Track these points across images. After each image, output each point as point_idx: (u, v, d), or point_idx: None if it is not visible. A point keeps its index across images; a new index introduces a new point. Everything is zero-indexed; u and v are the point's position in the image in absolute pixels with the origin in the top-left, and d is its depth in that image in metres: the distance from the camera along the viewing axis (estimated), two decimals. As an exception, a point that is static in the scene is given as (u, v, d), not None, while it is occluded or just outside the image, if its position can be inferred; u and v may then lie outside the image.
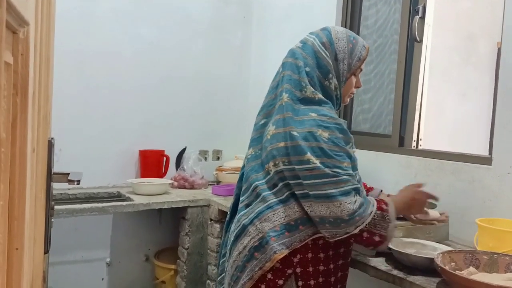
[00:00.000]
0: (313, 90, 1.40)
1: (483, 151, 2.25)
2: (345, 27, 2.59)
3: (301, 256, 1.36)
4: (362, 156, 2.24)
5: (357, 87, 1.54)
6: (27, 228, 0.63)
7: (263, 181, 1.41)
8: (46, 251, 0.96)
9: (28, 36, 0.58)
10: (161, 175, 2.91)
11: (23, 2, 0.54)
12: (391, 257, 1.52)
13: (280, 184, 1.38)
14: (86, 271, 2.79)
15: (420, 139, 2.18)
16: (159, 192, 2.66)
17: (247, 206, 1.44)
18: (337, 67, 1.44)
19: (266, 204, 1.38)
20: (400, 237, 1.61)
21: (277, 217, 1.35)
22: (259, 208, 1.39)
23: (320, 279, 1.38)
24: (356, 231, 1.31)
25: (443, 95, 2.51)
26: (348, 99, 1.56)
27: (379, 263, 1.51)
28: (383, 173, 2.15)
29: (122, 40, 2.85)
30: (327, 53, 1.43)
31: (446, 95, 2.56)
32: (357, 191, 1.33)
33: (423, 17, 2.14)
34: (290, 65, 1.44)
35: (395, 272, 1.42)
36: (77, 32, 2.68)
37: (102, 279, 2.86)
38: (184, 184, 2.88)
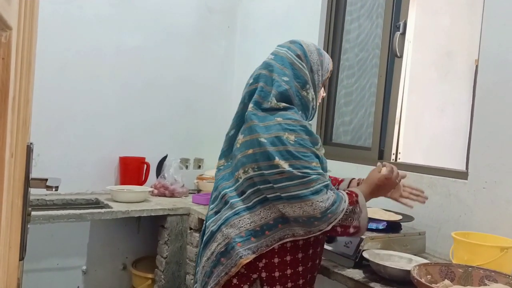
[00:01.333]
0: (277, 102, 1.42)
1: (460, 166, 2.30)
2: (328, 39, 2.63)
3: (267, 261, 1.38)
4: (342, 168, 2.27)
5: (322, 97, 1.62)
6: (2, 234, 0.62)
7: (232, 188, 1.45)
8: (21, 258, 0.94)
9: (10, 41, 0.58)
10: (141, 182, 2.89)
11: (6, 7, 0.53)
12: (368, 268, 1.54)
13: (248, 191, 1.41)
14: (61, 279, 2.73)
15: (399, 153, 2.22)
16: (139, 199, 2.63)
17: (216, 213, 1.47)
18: (313, 78, 1.50)
19: (233, 210, 1.41)
20: (378, 249, 1.63)
21: (243, 223, 1.38)
22: (227, 215, 1.42)
23: (289, 284, 1.40)
24: (329, 228, 1.34)
25: (421, 109, 2.56)
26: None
27: (357, 274, 1.52)
28: (363, 185, 2.17)
29: (104, 46, 2.83)
30: (303, 65, 1.48)
31: (425, 110, 2.60)
32: (328, 187, 1.36)
33: (403, 33, 2.19)
34: (263, 77, 1.47)
35: (372, 283, 1.44)
36: (59, 37, 2.65)
37: (78, 287, 2.80)
38: (164, 192, 2.86)
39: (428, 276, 1.34)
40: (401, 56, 2.20)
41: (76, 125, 2.76)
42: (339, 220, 1.34)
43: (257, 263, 1.37)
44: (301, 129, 1.38)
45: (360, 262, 1.58)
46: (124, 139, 2.93)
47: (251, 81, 1.51)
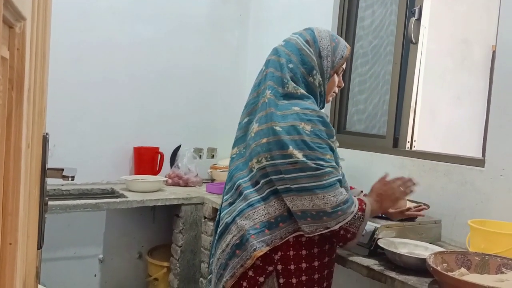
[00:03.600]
0: (295, 85, 1.42)
1: (477, 154, 2.27)
2: (342, 27, 2.60)
3: (282, 253, 1.37)
4: (356, 156, 2.26)
5: (339, 86, 1.57)
6: (21, 223, 0.63)
7: (247, 178, 1.43)
8: (39, 247, 0.96)
9: (24, 31, 0.58)
10: (155, 172, 2.91)
11: (20, -3, 0.53)
12: (383, 257, 1.53)
13: (262, 182, 1.39)
14: (79, 268, 2.78)
15: (414, 141, 2.19)
16: (153, 189, 2.65)
17: (230, 204, 1.46)
18: (321, 63, 1.46)
19: (248, 202, 1.40)
20: (393, 237, 1.62)
21: (257, 215, 1.37)
22: (241, 206, 1.41)
23: (303, 277, 1.39)
24: (336, 227, 1.33)
25: (437, 97, 2.53)
26: (331, 98, 1.59)
27: (372, 263, 1.52)
28: (377, 174, 2.14)
29: (118, 37, 2.84)
30: (311, 50, 1.45)
31: (441, 97, 2.57)
32: (340, 182, 1.35)
33: (419, 19, 2.15)
34: (273, 63, 1.47)
35: (387, 272, 1.43)
36: (73, 28, 2.67)
37: (95, 275, 2.85)
38: (178, 181, 2.88)
39: (444, 264, 1.33)
40: (417, 43, 2.16)
41: (91, 116, 2.78)
42: (347, 223, 1.34)
43: (273, 255, 1.36)
44: (318, 119, 1.36)
45: (375, 251, 1.57)
46: (138, 130, 2.95)
47: (263, 68, 1.51)
